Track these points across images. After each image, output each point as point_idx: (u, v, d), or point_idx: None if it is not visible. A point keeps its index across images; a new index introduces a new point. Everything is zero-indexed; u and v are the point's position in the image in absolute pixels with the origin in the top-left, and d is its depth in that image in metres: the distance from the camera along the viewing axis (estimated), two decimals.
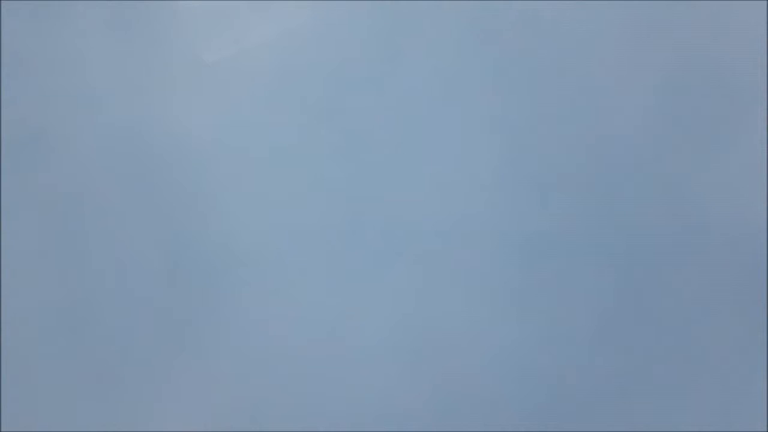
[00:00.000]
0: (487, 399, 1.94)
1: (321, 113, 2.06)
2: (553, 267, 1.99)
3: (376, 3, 2.09)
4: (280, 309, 1.97)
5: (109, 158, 2.02)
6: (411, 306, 1.97)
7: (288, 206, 2.02)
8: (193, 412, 1.93)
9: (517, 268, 1.99)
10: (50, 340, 1.95)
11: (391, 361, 1.95)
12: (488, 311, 1.97)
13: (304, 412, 1.93)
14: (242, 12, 2.09)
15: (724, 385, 1.95)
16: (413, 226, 2.01)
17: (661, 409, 1.94)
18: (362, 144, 2.04)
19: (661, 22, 2.10)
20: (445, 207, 2.01)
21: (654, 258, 2.00)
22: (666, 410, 1.94)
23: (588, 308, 1.98)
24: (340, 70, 2.07)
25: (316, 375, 1.94)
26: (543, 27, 2.09)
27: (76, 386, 1.94)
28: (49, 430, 1.92)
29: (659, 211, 2.02)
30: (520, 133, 2.05)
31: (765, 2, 2.10)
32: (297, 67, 2.07)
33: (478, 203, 2.01)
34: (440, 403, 1.94)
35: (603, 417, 1.94)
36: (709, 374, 1.95)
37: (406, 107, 2.06)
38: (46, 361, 1.95)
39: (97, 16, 2.08)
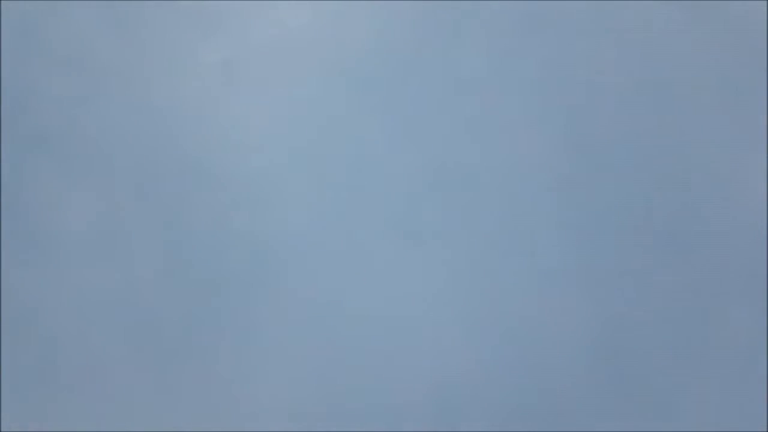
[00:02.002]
0: (543, 373, 1.94)
1: (322, 113, 2.06)
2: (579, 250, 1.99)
3: (378, 3, 2.09)
4: (331, 289, 1.98)
5: (110, 157, 2.03)
6: (467, 286, 1.98)
7: (294, 205, 2.02)
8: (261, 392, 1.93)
9: (561, 246, 2.00)
10: (61, 338, 1.95)
11: (445, 339, 1.96)
12: (544, 288, 1.98)
13: (360, 388, 1.94)
14: (243, 12, 2.09)
15: (724, 385, 1.95)
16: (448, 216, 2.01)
17: (661, 408, 1.94)
18: (364, 142, 2.05)
19: (661, 21, 2.10)
20: (492, 190, 2.02)
21: (657, 255, 2.00)
22: (666, 410, 1.94)
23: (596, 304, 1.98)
24: (341, 69, 2.07)
25: (374, 350, 1.95)
26: (546, 25, 2.09)
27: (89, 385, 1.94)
28: (63, 429, 1.92)
29: (657, 210, 2.02)
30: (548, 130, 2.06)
31: (765, 2, 2.10)
32: (298, 66, 2.07)
33: (531, 188, 2.02)
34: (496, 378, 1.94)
35: (600, 417, 1.94)
36: (709, 374, 1.96)
37: (411, 103, 2.06)
38: (57, 361, 1.95)
39: (97, 15, 2.08)
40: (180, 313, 1.96)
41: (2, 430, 1.92)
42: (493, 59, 2.08)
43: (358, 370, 1.95)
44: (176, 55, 2.07)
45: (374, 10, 2.10)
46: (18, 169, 2.01)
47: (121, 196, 2.01)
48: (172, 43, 2.07)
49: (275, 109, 2.06)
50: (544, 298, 1.98)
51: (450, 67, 2.08)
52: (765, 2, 2.09)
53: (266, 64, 2.07)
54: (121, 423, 1.92)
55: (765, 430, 1.93)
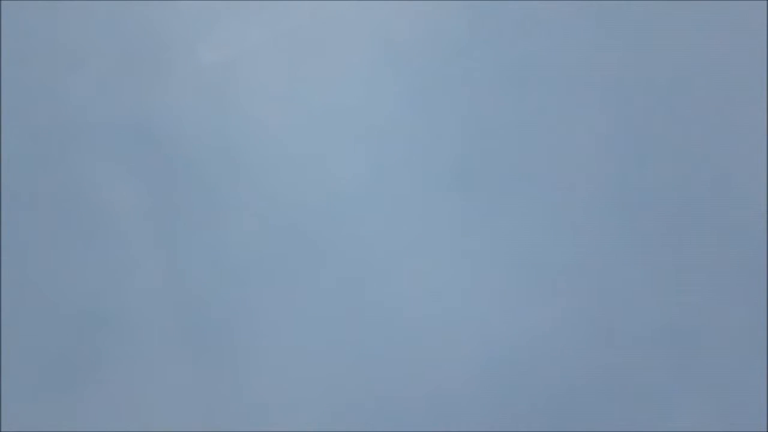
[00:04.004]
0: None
1: (320, 113, 2.06)
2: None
3: (378, 3, 2.09)
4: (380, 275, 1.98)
5: (109, 157, 2.03)
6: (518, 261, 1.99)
7: (294, 204, 2.02)
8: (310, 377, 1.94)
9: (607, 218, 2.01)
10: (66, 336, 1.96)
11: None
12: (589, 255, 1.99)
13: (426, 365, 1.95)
14: (241, 12, 2.09)
15: (724, 385, 1.95)
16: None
17: (660, 408, 1.94)
18: (363, 142, 2.05)
19: (661, 21, 2.10)
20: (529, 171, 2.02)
21: (659, 251, 2.01)
22: (666, 410, 1.94)
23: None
24: (340, 69, 2.08)
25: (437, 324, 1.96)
26: (540, 27, 2.09)
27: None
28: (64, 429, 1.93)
29: (658, 209, 2.02)
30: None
31: (765, 2, 2.10)
32: (296, 67, 2.08)
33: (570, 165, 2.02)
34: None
35: (598, 417, 1.94)
36: (709, 374, 1.96)
37: (415, 101, 2.06)
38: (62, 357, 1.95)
39: (96, 16, 2.08)
40: (200, 309, 1.97)
41: (2, 430, 1.92)
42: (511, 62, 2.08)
43: (405, 362, 1.96)
44: (173, 55, 2.08)
45: (377, 10, 2.10)
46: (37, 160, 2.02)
47: (109, 197, 2.01)
48: (169, 43, 2.08)
49: (272, 110, 2.06)
50: (544, 300, 1.99)
51: (453, 66, 2.08)
52: (765, 2, 2.10)
53: (265, 65, 2.07)
54: (159, 414, 1.93)
55: (765, 430, 1.93)
